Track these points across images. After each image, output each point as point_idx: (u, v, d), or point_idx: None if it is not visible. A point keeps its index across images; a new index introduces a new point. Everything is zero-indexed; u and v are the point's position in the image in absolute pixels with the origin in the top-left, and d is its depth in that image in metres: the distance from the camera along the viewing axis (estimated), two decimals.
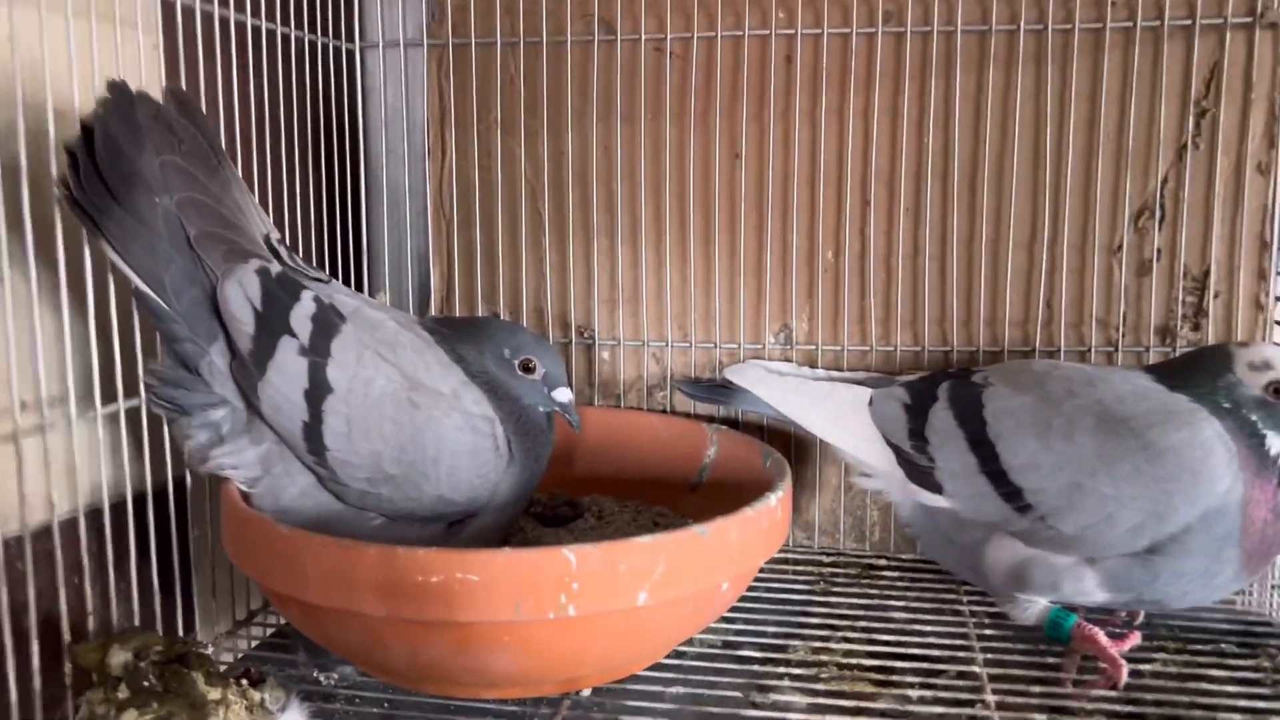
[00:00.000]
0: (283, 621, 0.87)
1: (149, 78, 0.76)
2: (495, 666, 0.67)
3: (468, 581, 0.63)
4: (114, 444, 0.76)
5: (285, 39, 0.94)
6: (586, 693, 0.74)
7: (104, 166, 0.68)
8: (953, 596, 0.91)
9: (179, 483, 0.82)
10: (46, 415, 0.69)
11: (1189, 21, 0.91)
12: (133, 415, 0.77)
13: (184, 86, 0.83)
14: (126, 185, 0.69)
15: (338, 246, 1.03)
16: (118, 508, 0.76)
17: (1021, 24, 0.93)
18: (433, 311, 1.06)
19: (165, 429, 0.80)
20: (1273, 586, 0.94)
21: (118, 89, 0.69)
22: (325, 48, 1.00)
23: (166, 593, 0.79)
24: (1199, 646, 0.82)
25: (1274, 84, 0.91)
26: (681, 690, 0.74)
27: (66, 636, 0.69)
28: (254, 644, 0.84)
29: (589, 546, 0.64)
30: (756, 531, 0.72)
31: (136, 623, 0.76)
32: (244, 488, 0.76)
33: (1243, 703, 0.72)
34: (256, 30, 0.89)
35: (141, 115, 0.70)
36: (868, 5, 0.95)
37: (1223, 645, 0.82)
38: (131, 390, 0.76)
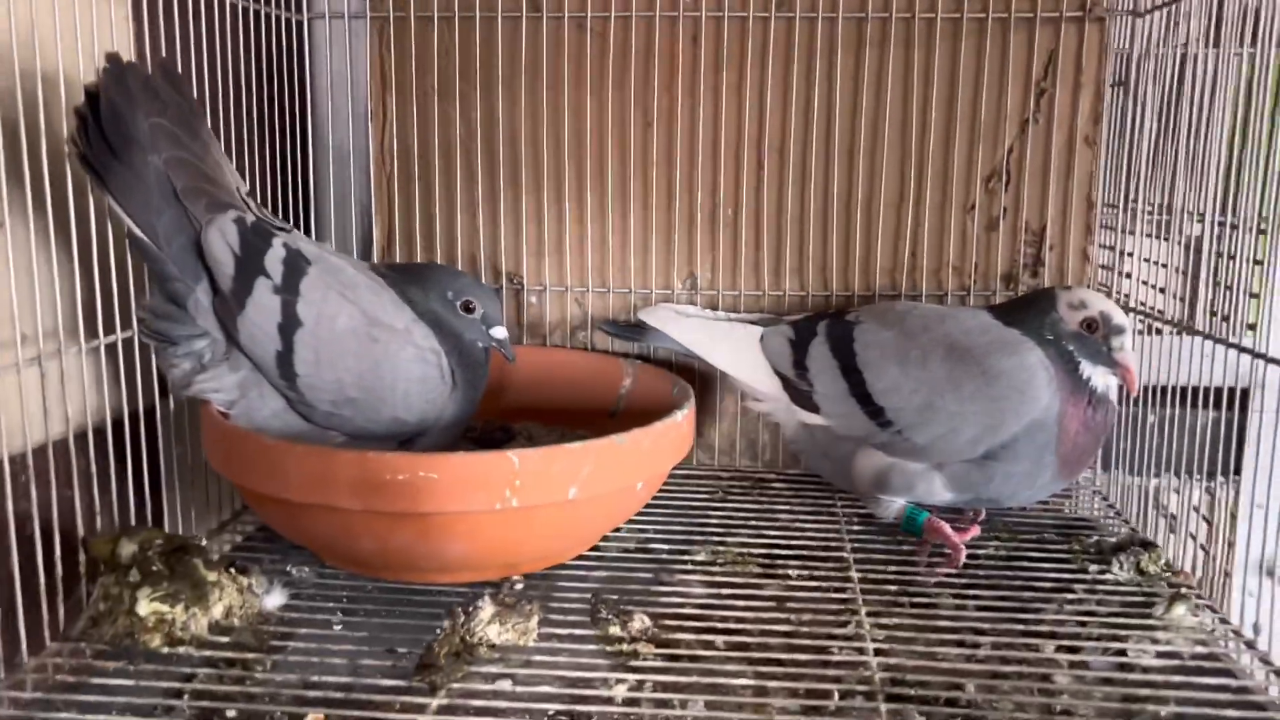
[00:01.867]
0: (253, 527, 0.99)
1: (120, 45, 0.85)
2: (450, 552, 0.80)
3: (429, 479, 0.76)
4: (107, 373, 0.86)
5: (239, 9, 1.03)
6: (520, 579, 0.88)
7: (107, 128, 0.78)
8: (829, 502, 1.06)
9: (151, 409, 0.93)
10: (43, 347, 0.77)
11: (1031, 15, 1.07)
12: (119, 348, 0.88)
13: (149, 53, 0.92)
14: (125, 145, 0.79)
15: (288, 201, 1.14)
16: (117, 425, 0.86)
17: (893, 13, 1.08)
18: (374, 259, 1.17)
19: (147, 360, 0.90)
20: (1094, 492, 1.12)
21: (114, 59, 0.79)
22: (276, 19, 1.10)
23: (155, 500, 0.91)
24: (1026, 536, 0.99)
25: (1100, 69, 1.08)
26: (603, 574, 0.89)
27: (81, 532, 0.81)
28: (229, 546, 0.96)
29: (529, 450, 0.78)
30: (665, 441, 0.87)
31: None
32: (223, 409, 0.87)
33: (1053, 574, 0.90)
34: (216, 1, 0.99)
35: (133, 83, 0.80)
36: None
37: (1045, 535, 1.00)
38: (118, 326, 0.87)
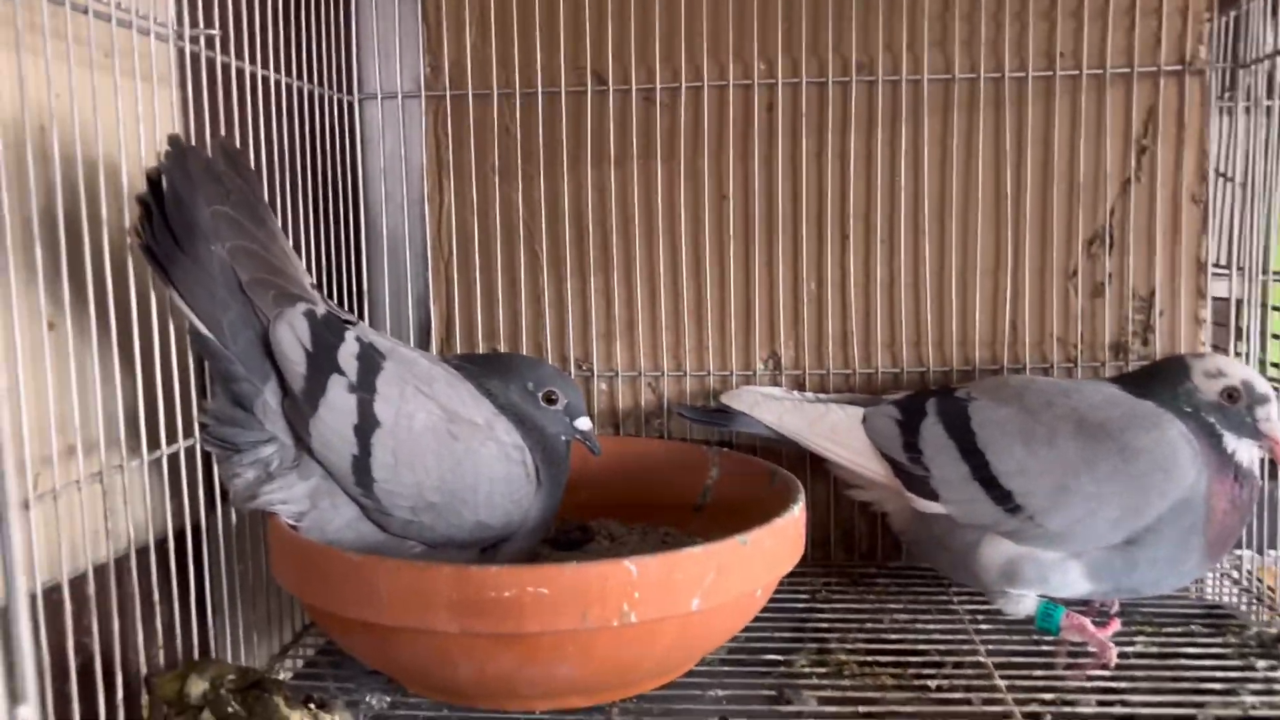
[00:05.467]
0: (315, 651, 0.89)
1: (172, 129, 0.79)
2: (558, 675, 0.71)
3: (538, 595, 0.67)
4: (163, 486, 0.78)
5: (289, 89, 0.97)
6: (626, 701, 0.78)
7: (171, 216, 0.71)
8: (944, 598, 0.98)
9: (202, 525, 0.84)
10: (101, 460, 0.71)
11: (1128, 69, 1.02)
12: (180, 457, 0.80)
13: (199, 139, 0.86)
14: (189, 234, 0.72)
15: (341, 291, 1.07)
16: (165, 543, 0.78)
17: (981, 73, 1.03)
18: (432, 351, 1.10)
19: (195, 471, 0.82)
20: (1222, 575, 1.04)
21: (175, 142, 0.73)
22: (326, 99, 1.04)
23: (214, 623, 0.82)
24: (1172, 629, 0.91)
25: (1203, 124, 1.02)
26: (719, 692, 0.80)
27: (144, 669, 0.71)
28: (291, 674, 0.86)
29: (648, 557, 0.69)
30: (785, 540, 0.78)
31: (192, 655, 0.79)
32: (291, 522, 0.79)
33: (1219, 674, 0.81)
34: (265, 80, 0.92)
35: (194, 167, 0.74)
36: (841, 57, 1.04)
37: (1192, 626, 0.91)
38: (175, 436, 0.79)
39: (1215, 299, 1.05)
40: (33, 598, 0.62)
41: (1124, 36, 1.01)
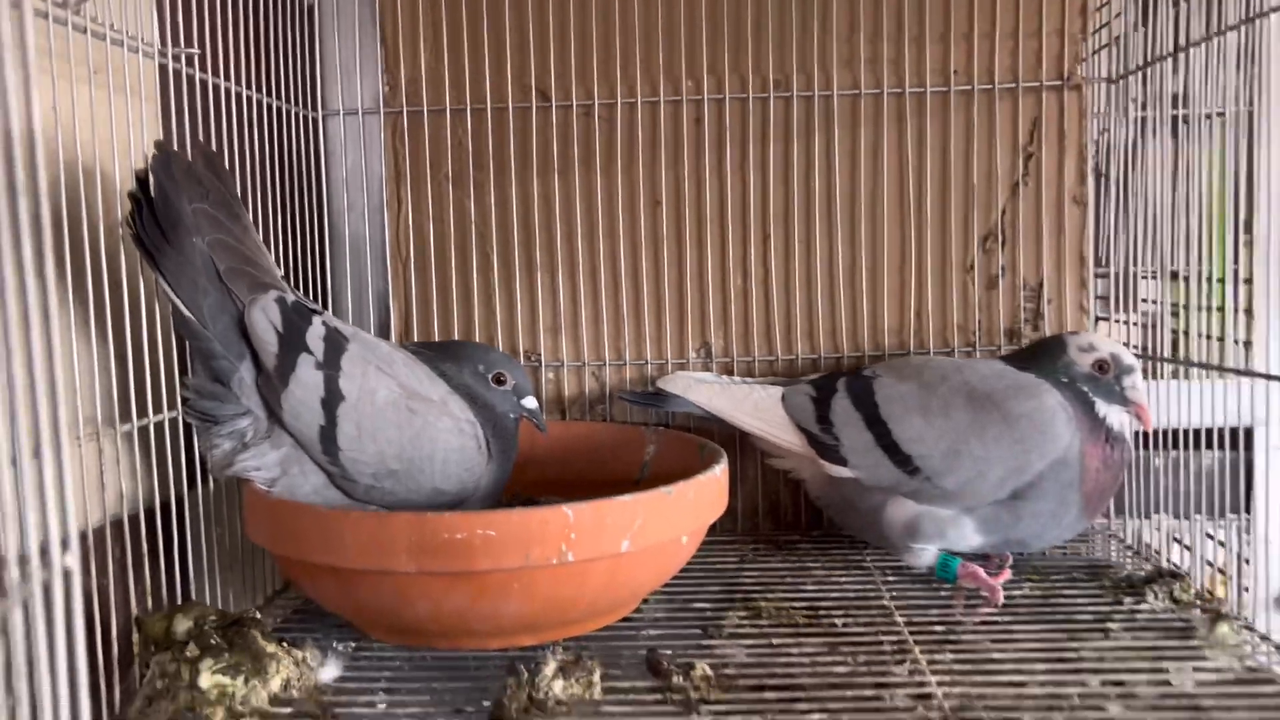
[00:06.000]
0: (290, 610, 0.98)
1: (153, 138, 0.88)
2: (506, 611, 0.80)
3: (487, 536, 0.77)
4: (145, 456, 0.86)
5: (260, 105, 1.07)
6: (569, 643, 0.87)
7: (158, 211, 0.81)
8: (859, 557, 1.08)
9: (181, 494, 0.93)
10: (96, 428, 0.79)
11: (1014, 85, 1.14)
12: (165, 428, 0.88)
13: (179, 147, 0.95)
14: (173, 227, 0.81)
15: (308, 290, 1.16)
16: (151, 511, 0.87)
17: (885, 89, 1.14)
18: None
19: (177, 443, 0.91)
20: (1109, 535, 1.15)
21: (161, 146, 0.82)
22: (293, 114, 1.14)
23: (194, 585, 0.90)
24: (1056, 577, 1.01)
25: (1081, 133, 1.15)
26: (653, 633, 0.89)
27: (118, 620, 0.80)
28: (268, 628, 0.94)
29: (583, 504, 0.79)
30: (707, 493, 0.88)
31: None
32: (264, 487, 0.88)
33: (1090, 609, 0.92)
34: (239, 96, 1.01)
35: (177, 169, 0.83)
36: (760, 75, 1.15)
37: (1074, 575, 1.02)
38: (160, 408, 0.88)
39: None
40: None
41: (1010, 56, 1.14)
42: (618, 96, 1.16)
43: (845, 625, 0.90)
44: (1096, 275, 1.18)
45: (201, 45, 0.96)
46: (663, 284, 1.17)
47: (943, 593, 0.98)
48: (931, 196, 1.15)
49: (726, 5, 1.14)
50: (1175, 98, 1.09)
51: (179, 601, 0.90)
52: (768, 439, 1.06)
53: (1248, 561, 1.08)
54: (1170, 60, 1.06)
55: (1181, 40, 1.04)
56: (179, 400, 0.88)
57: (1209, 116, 1.07)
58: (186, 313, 0.83)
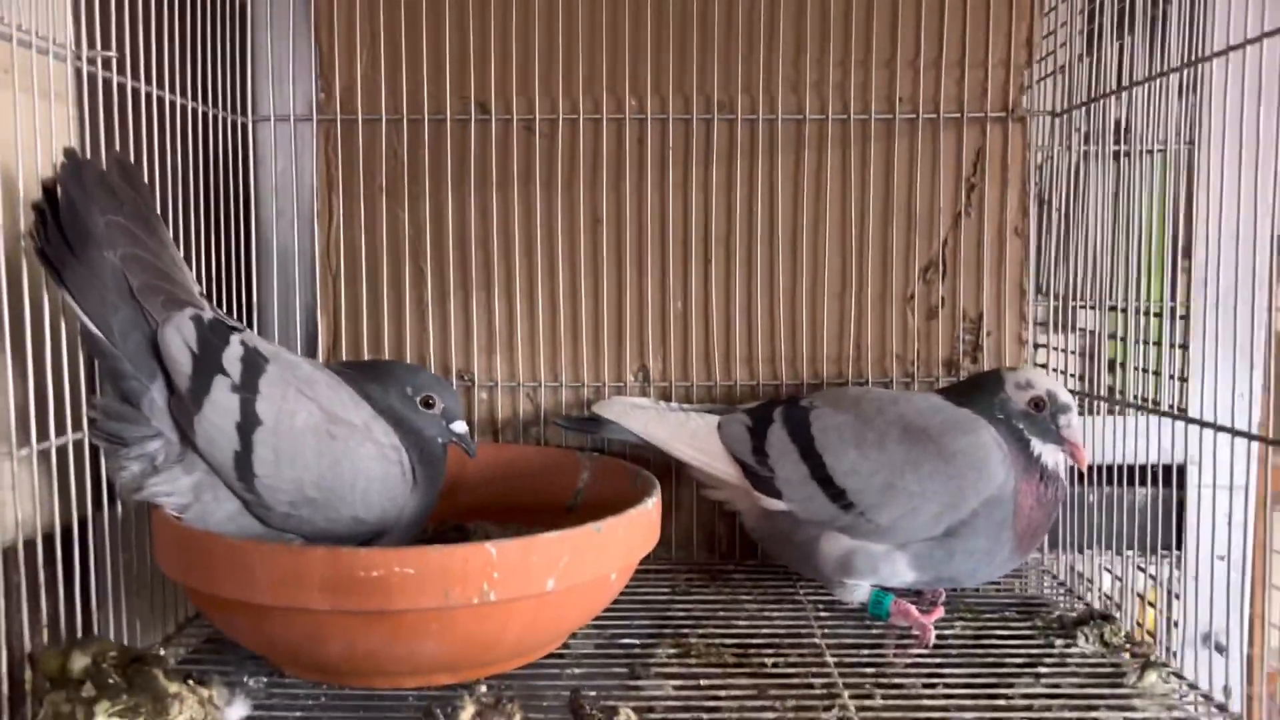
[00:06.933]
0: (199, 640, 0.94)
1: (69, 144, 0.84)
2: (423, 652, 0.78)
3: (405, 574, 0.74)
4: (48, 479, 0.82)
5: (184, 110, 1.02)
6: (490, 681, 0.85)
7: (65, 223, 0.76)
8: (791, 590, 1.06)
9: (86, 517, 0.88)
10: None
11: (959, 115, 1.13)
12: (68, 450, 0.84)
13: (95, 153, 0.90)
14: (82, 241, 0.77)
15: (232, 302, 1.12)
16: (49, 536, 0.82)
17: (829, 114, 1.13)
18: (319, 360, 1.15)
19: (83, 465, 0.86)
20: (1043, 571, 1.15)
21: (71, 155, 0.78)
22: (220, 120, 1.10)
23: (99, 613, 0.86)
24: (989, 615, 1.00)
25: (1024, 165, 1.14)
26: (578, 671, 0.87)
27: (28, 647, 0.75)
28: (175, 660, 0.90)
29: (507, 541, 0.76)
30: (637, 529, 0.86)
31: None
32: (175, 514, 0.84)
33: (1021, 650, 0.91)
34: (161, 101, 0.97)
35: (88, 179, 0.79)
36: (705, 96, 1.13)
37: (1006, 614, 1.01)
38: (64, 429, 0.83)
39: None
40: None
41: (955, 85, 1.13)
42: (559, 112, 1.13)
43: (775, 665, 0.88)
44: (1037, 303, 1.18)
45: (122, 48, 0.91)
46: (601, 304, 1.15)
47: (874, 630, 0.97)
48: (873, 225, 1.14)
49: (672, 24, 1.12)
50: (1118, 125, 1.09)
51: (80, 633, 0.85)
52: (704, 470, 1.04)
53: (1178, 597, 1.08)
54: (1114, 96, 1.06)
55: (1125, 79, 1.04)
56: (85, 421, 0.84)
57: (1149, 152, 1.07)
58: (94, 330, 0.79)
